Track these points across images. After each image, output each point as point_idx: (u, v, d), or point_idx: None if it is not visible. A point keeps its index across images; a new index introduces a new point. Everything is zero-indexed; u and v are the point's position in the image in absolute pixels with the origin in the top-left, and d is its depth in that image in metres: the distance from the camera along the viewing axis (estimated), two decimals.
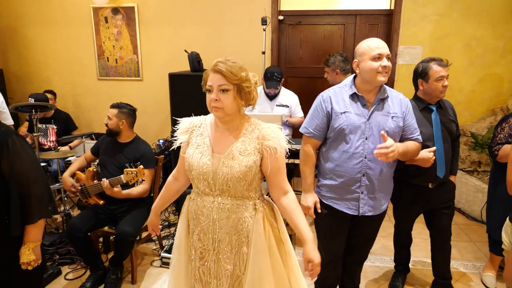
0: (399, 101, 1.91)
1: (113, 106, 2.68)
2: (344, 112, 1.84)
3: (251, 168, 1.41)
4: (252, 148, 1.43)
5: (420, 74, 2.15)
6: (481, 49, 3.95)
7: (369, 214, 1.92)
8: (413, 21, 3.99)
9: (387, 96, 1.88)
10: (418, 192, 2.26)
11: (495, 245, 2.54)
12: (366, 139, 1.83)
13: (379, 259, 2.95)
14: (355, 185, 1.88)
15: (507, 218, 1.58)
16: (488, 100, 4.06)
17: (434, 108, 2.17)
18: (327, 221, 2.01)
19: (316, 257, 1.43)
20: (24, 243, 1.60)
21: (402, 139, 1.91)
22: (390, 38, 4.08)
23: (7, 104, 3.30)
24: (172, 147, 1.57)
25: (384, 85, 1.88)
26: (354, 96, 1.86)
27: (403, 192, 2.29)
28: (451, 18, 3.93)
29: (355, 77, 1.91)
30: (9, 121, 2.48)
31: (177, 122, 1.57)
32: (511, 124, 2.32)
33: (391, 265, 2.80)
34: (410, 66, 4.09)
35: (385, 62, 1.77)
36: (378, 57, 1.77)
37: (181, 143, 1.54)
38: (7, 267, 1.60)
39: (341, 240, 2.06)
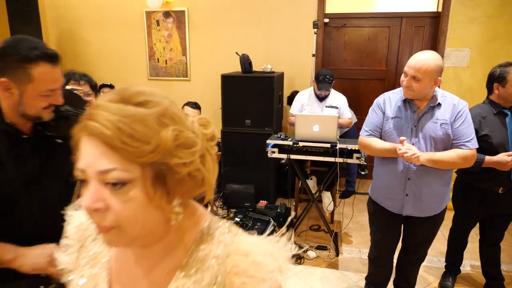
0: (452, 107, 1.90)
1: (196, 107, 2.83)
2: (394, 117, 1.95)
3: None
4: None
5: (497, 78, 2.16)
6: None
7: (414, 215, 2.00)
8: (461, 23, 3.97)
9: (439, 104, 1.90)
10: (486, 196, 2.25)
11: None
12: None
13: (427, 259, 2.96)
14: (399, 187, 1.97)
15: None
16: None
17: (509, 113, 2.19)
18: (377, 216, 2.15)
19: None
20: None
21: (451, 146, 1.90)
22: (436, 40, 4.08)
23: None
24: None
25: (440, 92, 1.92)
26: (405, 102, 1.95)
27: (468, 196, 2.31)
28: (501, 20, 3.88)
29: None
30: None
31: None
32: None
33: (439, 265, 2.84)
34: (457, 69, 4.08)
35: (406, 80, 1.85)
36: (405, 73, 1.87)
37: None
38: None
39: (391, 238, 2.16)
